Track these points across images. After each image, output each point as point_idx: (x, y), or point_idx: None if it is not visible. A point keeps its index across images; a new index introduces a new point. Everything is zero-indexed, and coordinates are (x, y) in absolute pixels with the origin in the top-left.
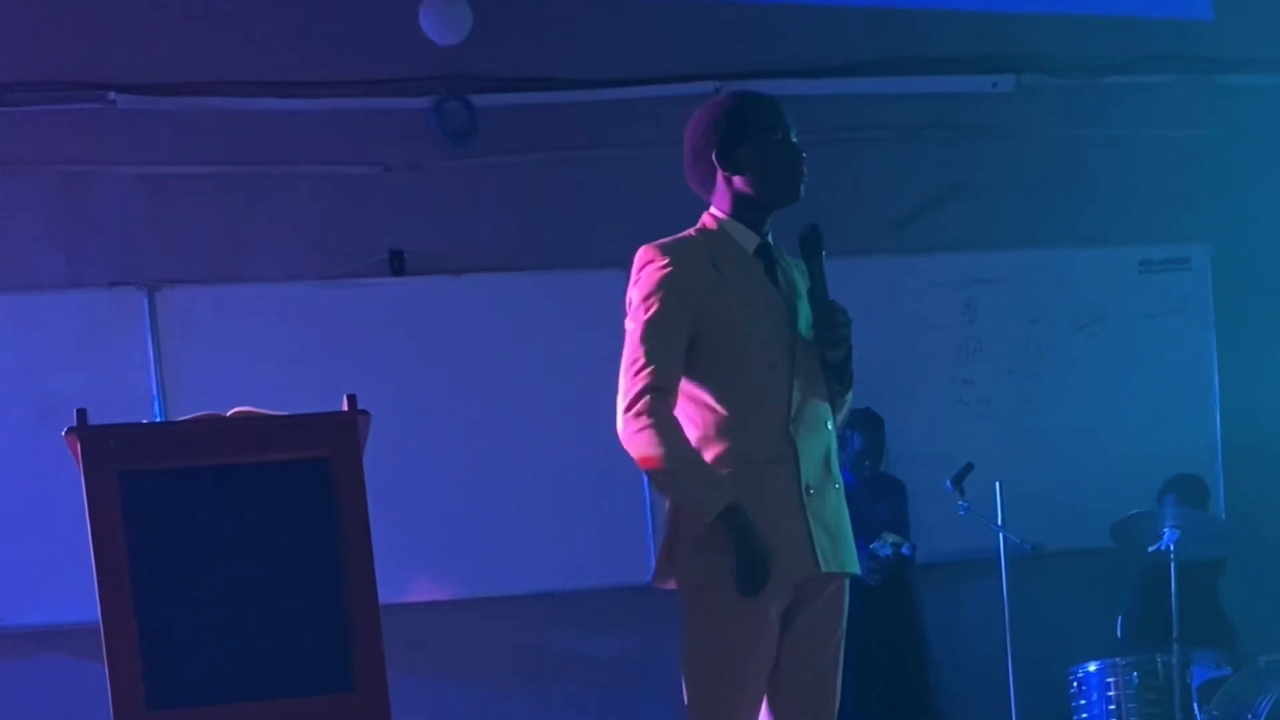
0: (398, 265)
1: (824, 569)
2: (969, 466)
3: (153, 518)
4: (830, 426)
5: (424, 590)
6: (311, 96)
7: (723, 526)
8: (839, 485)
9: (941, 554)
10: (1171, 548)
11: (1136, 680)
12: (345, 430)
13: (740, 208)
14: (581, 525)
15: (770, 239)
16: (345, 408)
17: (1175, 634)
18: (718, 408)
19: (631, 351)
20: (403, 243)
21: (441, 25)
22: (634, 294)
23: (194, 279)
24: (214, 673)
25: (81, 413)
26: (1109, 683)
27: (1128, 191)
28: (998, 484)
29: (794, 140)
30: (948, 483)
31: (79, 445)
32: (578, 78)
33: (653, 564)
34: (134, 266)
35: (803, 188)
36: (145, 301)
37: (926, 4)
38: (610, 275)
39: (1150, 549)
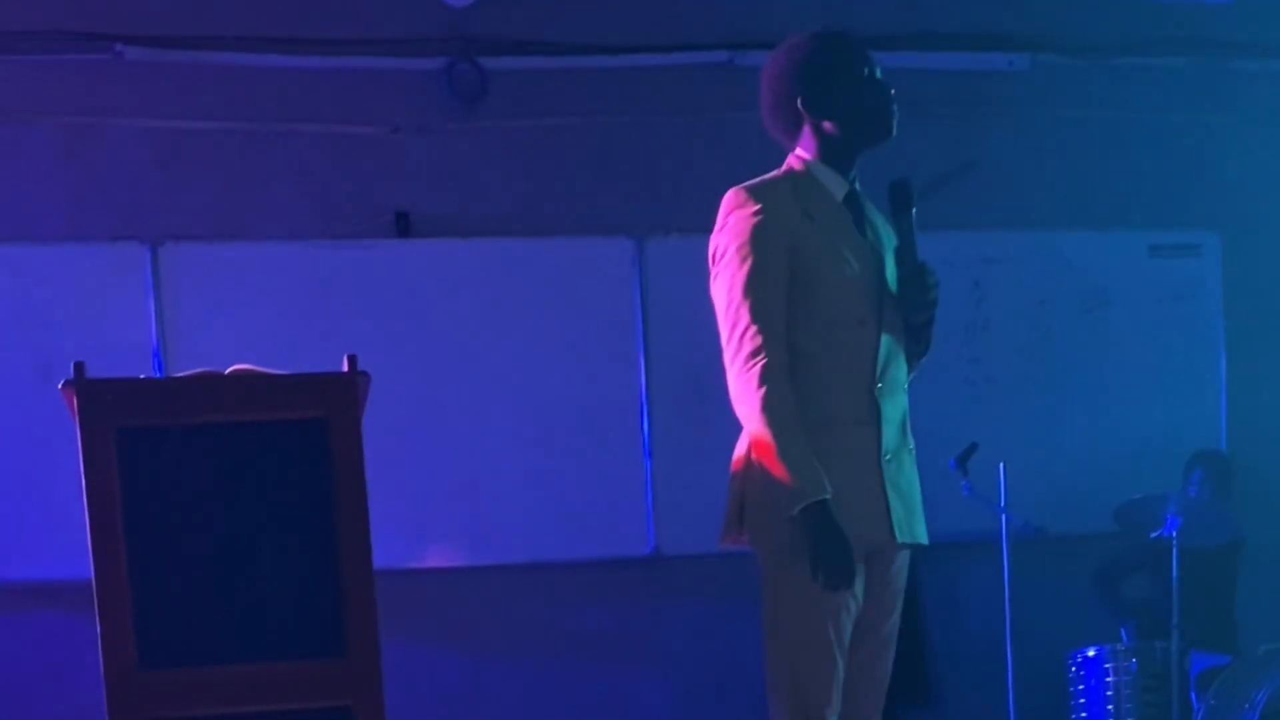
0: (404, 227)
1: (899, 539)
2: (973, 446)
3: (148, 474)
4: (907, 390)
5: (421, 556)
6: (321, 54)
7: (809, 519)
8: (913, 451)
9: (943, 534)
10: (1174, 534)
11: (1135, 667)
12: (344, 391)
13: (829, 152)
14: (582, 495)
15: (858, 186)
16: (345, 369)
17: (1175, 621)
18: (805, 361)
19: (733, 307)
20: (409, 205)
21: None
22: (722, 240)
23: (197, 235)
24: (206, 634)
25: (79, 366)
26: (1107, 668)
27: (1140, 175)
28: (1001, 465)
29: (879, 76)
30: (951, 462)
31: (75, 399)
32: (590, 43)
33: (653, 537)
34: (137, 221)
35: (895, 124)
36: (148, 256)
37: None
38: (617, 241)
39: (1153, 535)
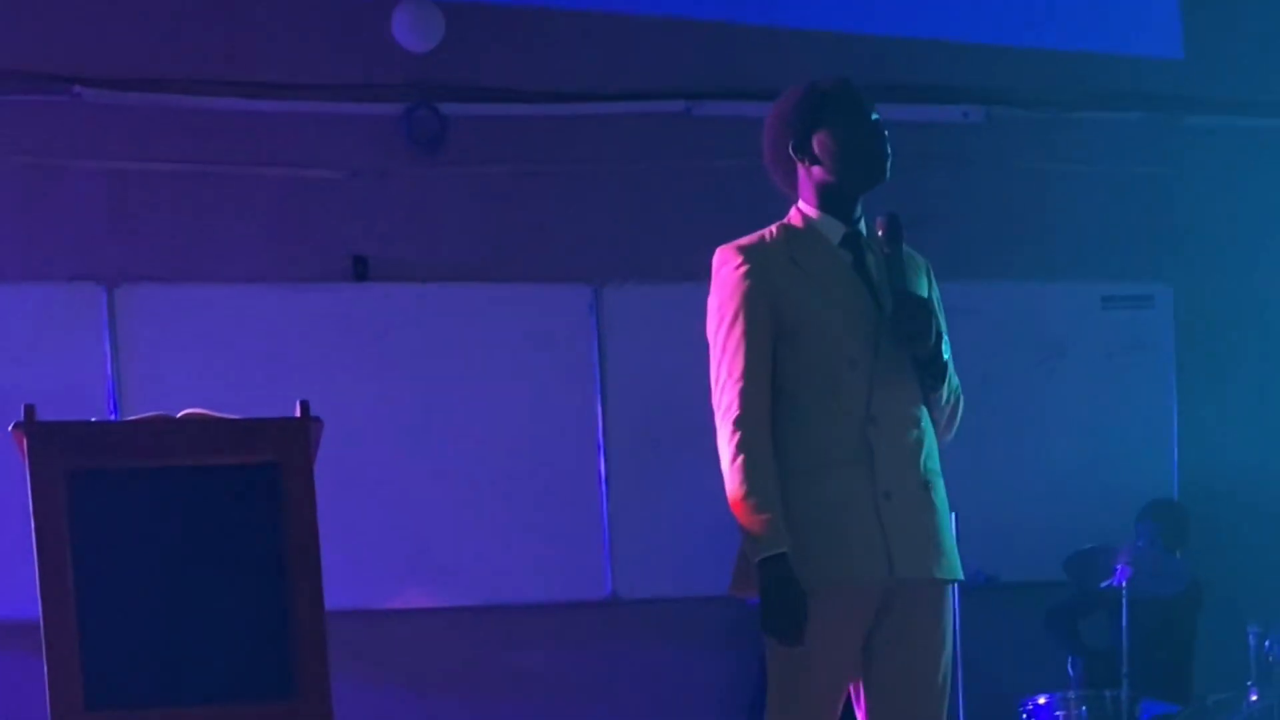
0: (361, 271)
1: (898, 574)
2: None
3: (99, 517)
4: (924, 426)
5: (376, 599)
6: (279, 98)
7: (763, 571)
8: (934, 488)
9: None
10: (1124, 584)
11: (1085, 714)
12: (296, 436)
13: (825, 198)
14: (539, 538)
15: (861, 227)
16: (298, 413)
17: (1125, 669)
18: (794, 404)
19: (715, 363)
20: (367, 249)
21: (414, 32)
22: (710, 299)
23: (153, 277)
24: (155, 675)
25: (29, 409)
26: (1058, 716)
27: (1093, 227)
28: (954, 514)
29: (873, 118)
30: None
31: (26, 441)
32: (550, 90)
33: (610, 581)
34: (93, 262)
35: (889, 166)
36: (104, 297)
37: (897, 32)
38: (575, 290)
39: (1103, 584)
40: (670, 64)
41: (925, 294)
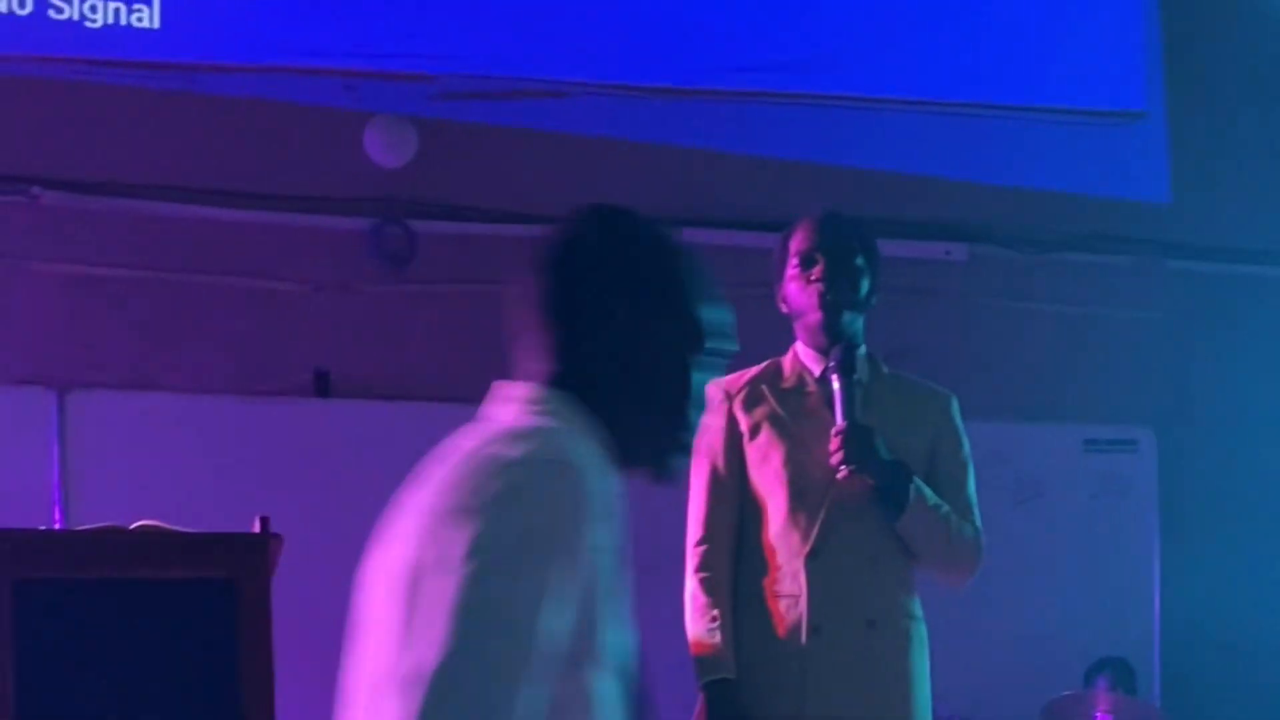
0: (323, 387)
1: (812, 713)
2: None
3: (43, 629)
4: (888, 561)
5: None
6: (245, 208)
7: (706, 695)
8: (882, 625)
9: None
10: None
11: None
12: (254, 553)
13: (802, 336)
14: None
15: (859, 355)
16: (256, 529)
17: None
18: (746, 538)
19: (690, 502)
20: (329, 364)
21: (385, 148)
22: None
23: (107, 384)
24: None
25: None
26: None
27: (1076, 369)
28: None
29: (819, 268)
30: None
31: None
32: (524, 211)
33: None
34: (45, 366)
35: (831, 320)
36: (55, 403)
37: (881, 165)
38: None
39: None
40: (649, 189)
41: (925, 428)
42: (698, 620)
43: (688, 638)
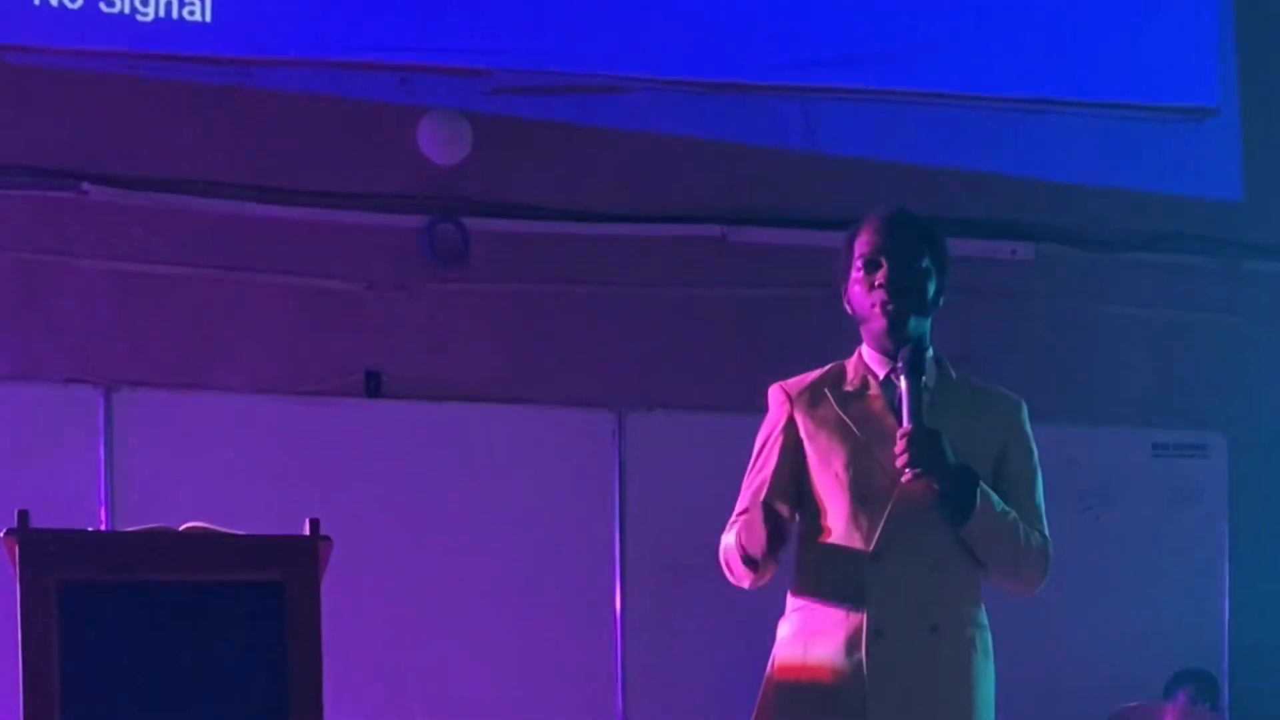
0: (374, 387)
1: (874, 716)
2: None
3: (90, 633)
4: (953, 566)
5: None
6: (296, 204)
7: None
8: (945, 632)
9: None
10: None
11: None
12: (304, 555)
13: (868, 338)
14: (549, 674)
15: (927, 357)
16: (306, 531)
17: None
18: (808, 541)
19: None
20: (381, 364)
21: (440, 144)
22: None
23: (155, 383)
24: None
25: (23, 515)
26: None
27: (1144, 372)
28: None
29: (883, 272)
30: None
31: (17, 550)
32: (579, 209)
33: (621, 717)
34: (93, 365)
35: (895, 327)
36: (101, 402)
37: (945, 162)
38: (597, 415)
39: None
40: (707, 187)
41: (993, 434)
42: (729, 535)
43: (734, 554)
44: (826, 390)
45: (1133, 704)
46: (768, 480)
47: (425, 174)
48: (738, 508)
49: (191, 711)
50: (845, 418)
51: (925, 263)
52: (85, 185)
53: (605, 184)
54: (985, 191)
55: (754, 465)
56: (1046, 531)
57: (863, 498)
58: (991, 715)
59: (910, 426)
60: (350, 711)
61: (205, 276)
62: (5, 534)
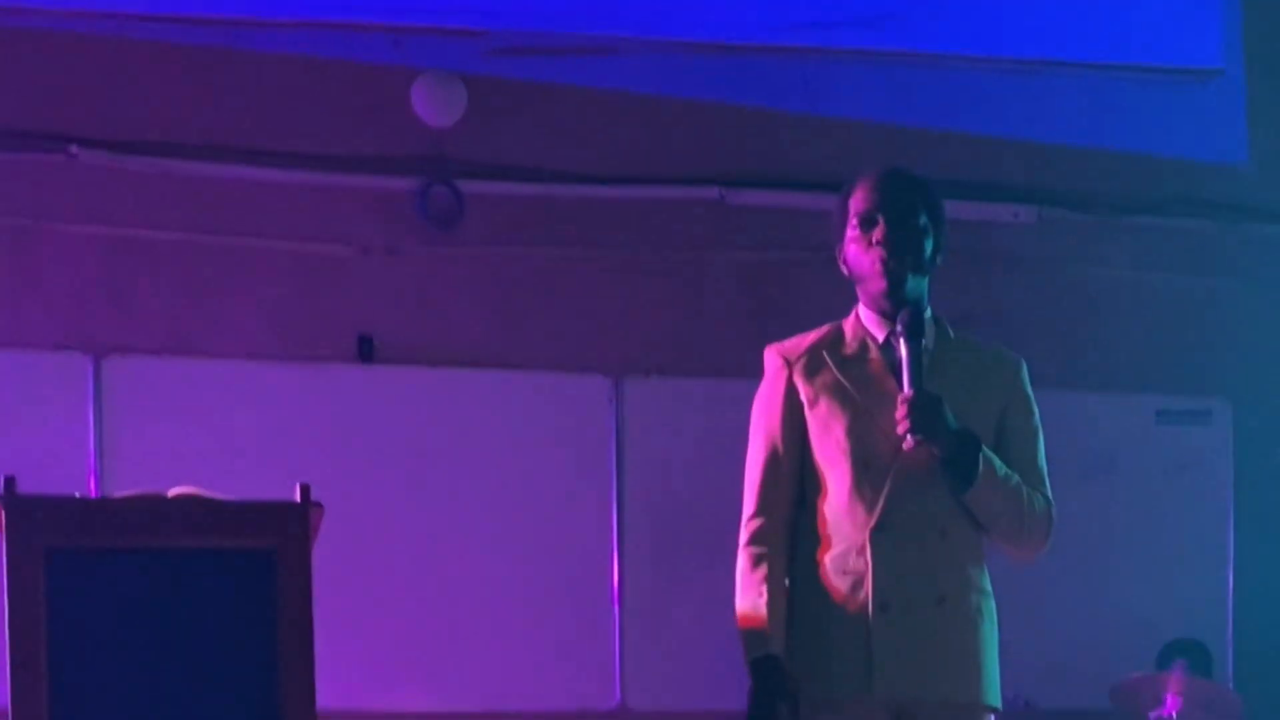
0: (366, 352)
1: (881, 693)
2: None
3: (78, 599)
4: (957, 535)
5: (372, 699)
6: (287, 167)
7: (751, 673)
8: (952, 601)
9: None
10: (1174, 716)
11: None
12: (295, 522)
13: (865, 299)
14: (545, 641)
15: (926, 319)
16: (297, 498)
17: None
18: (810, 509)
19: (746, 473)
20: (373, 329)
21: (434, 105)
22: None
23: (145, 348)
24: None
25: (10, 480)
26: None
27: (1147, 337)
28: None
29: (880, 230)
30: None
31: (4, 516)
32: (575, 171)
33: (619, 690)
34: (81, 330)
35: (894, 286)
36: (90, 368)
37: (945, 125)
38: (593, 381)
39: (1151, 715)
40: (705, 149)
41: (993, 395)
42: (746, 595)
43: (736, 612)
44: (825, 353)
45: (1136, 675)
46: (766, 500)
47: (419, 136)
48: (746, 508)
49: (181, 679)
50: (845, 383)
51: (922, 220)
52: (74, 148)
53: (602, 146)
54: (986, 154)
55: (759, 454)
56: (1049, 494)
57: (865, 465)
58: (996, 683)
59: (911, 392)
60: (341, 678)
61: (195, 241)
62: None
